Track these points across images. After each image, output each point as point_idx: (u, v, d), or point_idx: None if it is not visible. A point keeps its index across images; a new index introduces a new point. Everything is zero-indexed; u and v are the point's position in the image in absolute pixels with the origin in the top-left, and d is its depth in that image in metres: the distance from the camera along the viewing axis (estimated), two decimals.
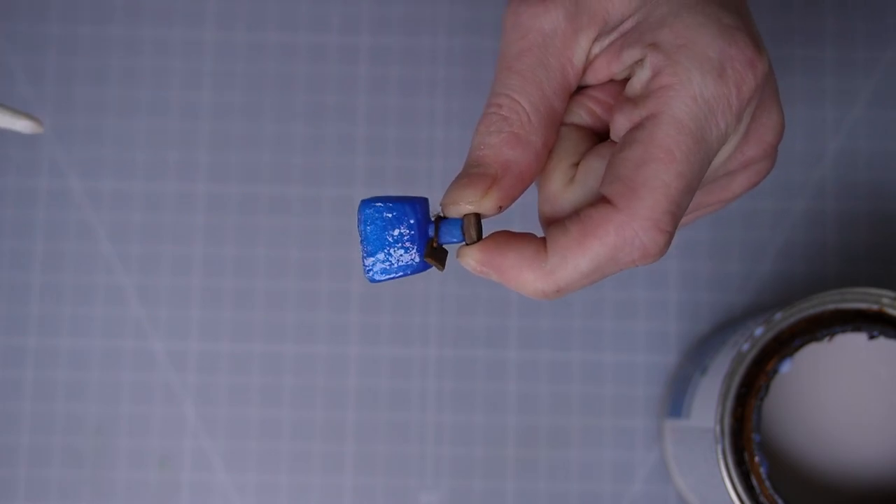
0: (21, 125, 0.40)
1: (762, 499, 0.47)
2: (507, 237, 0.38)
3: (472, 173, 0.38)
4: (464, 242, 0.38)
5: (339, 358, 0.60)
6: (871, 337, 0.48)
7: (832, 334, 0.48)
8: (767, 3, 0.62)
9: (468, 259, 0.38)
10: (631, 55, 0.38)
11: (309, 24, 0.62)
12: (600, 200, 0.36)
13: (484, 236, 0.38)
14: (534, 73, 0.38)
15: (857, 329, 0.48)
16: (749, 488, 0.47)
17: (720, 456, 0.48)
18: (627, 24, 0.38)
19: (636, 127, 0.37)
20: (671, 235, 0.36)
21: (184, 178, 0.61)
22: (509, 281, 0.37)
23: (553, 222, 0.38)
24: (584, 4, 0.38)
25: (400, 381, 0.60)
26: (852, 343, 0.53)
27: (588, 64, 0.39)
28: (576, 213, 0.37)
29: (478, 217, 0.38)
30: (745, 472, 0.48)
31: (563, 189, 0.39)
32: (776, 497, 0.47)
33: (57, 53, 0.61)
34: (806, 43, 0.62)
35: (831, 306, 0.48)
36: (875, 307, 0.48)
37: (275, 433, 0.59)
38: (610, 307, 0.60)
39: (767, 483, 0.47)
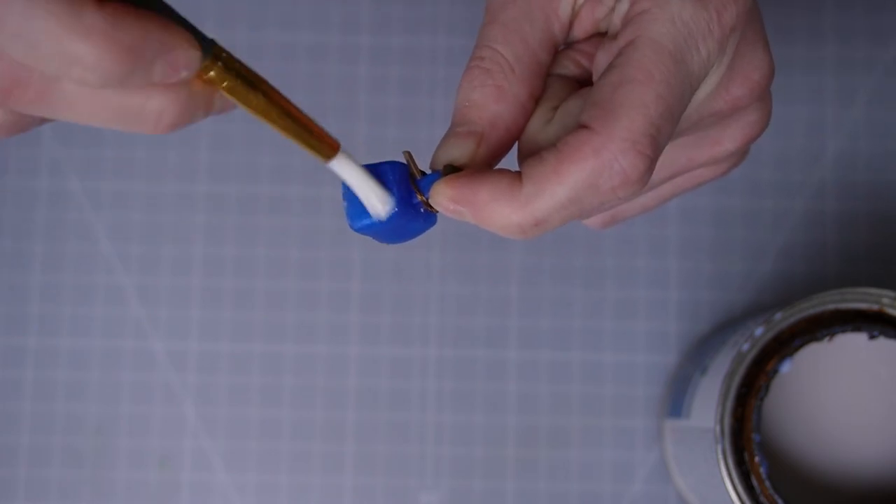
0: None
1: (762, 499, 0.47)
2: (481, 172, 0.36)
3: (458, 132, 0.37)
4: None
5: (339, 358, 0.60)
6: (872, 337, 0.48)
7: (832, 334, 0.48)
8: (768, 1, 0.62)
9: (440, 197, 0.36)
10: None
11: (309, 24, 0.62)
12: (578, 127, 0.35)
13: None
14: (517, 25, 0.37)
15: (857, 329, 0.48)
16: (749, 488, 0.47)
17: (720, 456, 0.48)
18: None
19: (615, 56, 0.36)
20: (651, 161, 0.34)
21: (184, 178, 0.61)
22: (484, 217, 0.35)
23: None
24: None
25: (400, 381, 0.60)
26: (852, 343, 0.53)
27: (574, 16, 0.38)
28: (553, 145, 0.35)
29: (456, 169, 0.36)
30: (745, 472, 0.48)
31: (541, 128, 0.37)
32: (776, 497, 0.47)
33: None
34: (806, 42, 0.62)
35: (831, 306, 0.48)
36: (875, 307, 0.48)
37: (275, 433, 0.59)
38: (610, 307, 0.60)
39: (767, 483, 0.47)
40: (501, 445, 0.59)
